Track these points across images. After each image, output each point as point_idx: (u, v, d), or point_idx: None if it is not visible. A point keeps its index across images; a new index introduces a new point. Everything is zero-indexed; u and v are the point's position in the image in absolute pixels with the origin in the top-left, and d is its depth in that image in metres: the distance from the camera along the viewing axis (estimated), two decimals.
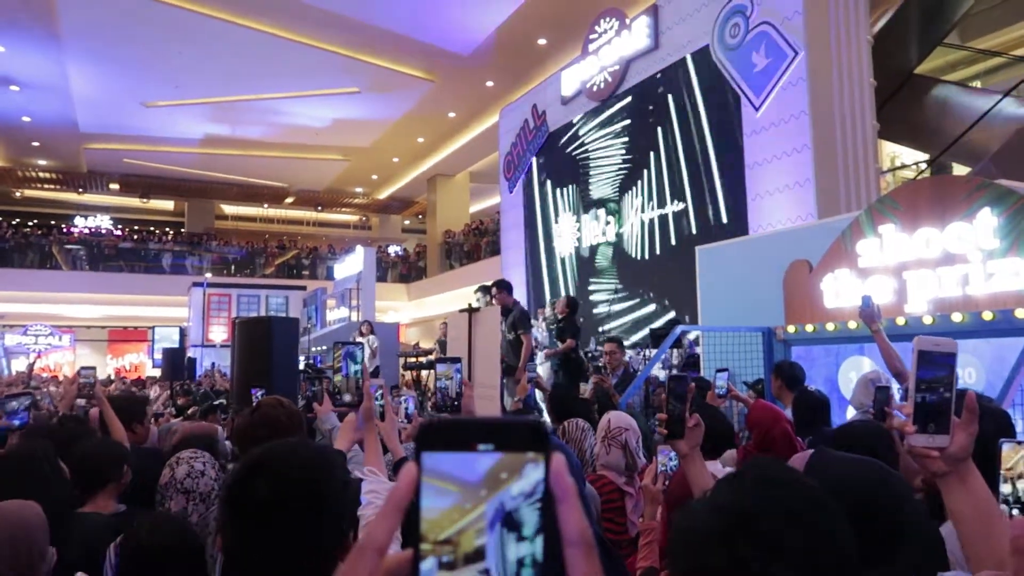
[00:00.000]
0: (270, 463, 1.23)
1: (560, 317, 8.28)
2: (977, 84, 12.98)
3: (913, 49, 10.64)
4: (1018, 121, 9.25)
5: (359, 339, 11.17)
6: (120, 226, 26.27)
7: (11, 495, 2.14)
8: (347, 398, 2.02)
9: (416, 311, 24.33)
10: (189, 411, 6.41)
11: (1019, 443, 1.26)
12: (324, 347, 15.28)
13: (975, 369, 4.59)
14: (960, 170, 10.31)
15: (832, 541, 0.81)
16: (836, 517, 0.83)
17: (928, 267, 4.81)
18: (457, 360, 2.15)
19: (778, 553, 0.77)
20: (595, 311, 11.84)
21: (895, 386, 3.80)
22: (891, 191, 5.86)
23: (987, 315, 4.38)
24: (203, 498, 2.21)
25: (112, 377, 15.52)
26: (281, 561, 1.17)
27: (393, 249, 26.73)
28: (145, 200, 27.80)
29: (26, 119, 19.33)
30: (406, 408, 4.03)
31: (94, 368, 4.04)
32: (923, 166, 11.15)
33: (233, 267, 24.07)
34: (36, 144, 21.59)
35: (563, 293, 11.96)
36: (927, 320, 4.68)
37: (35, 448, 2.84)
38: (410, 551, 0.47)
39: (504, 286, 7.57)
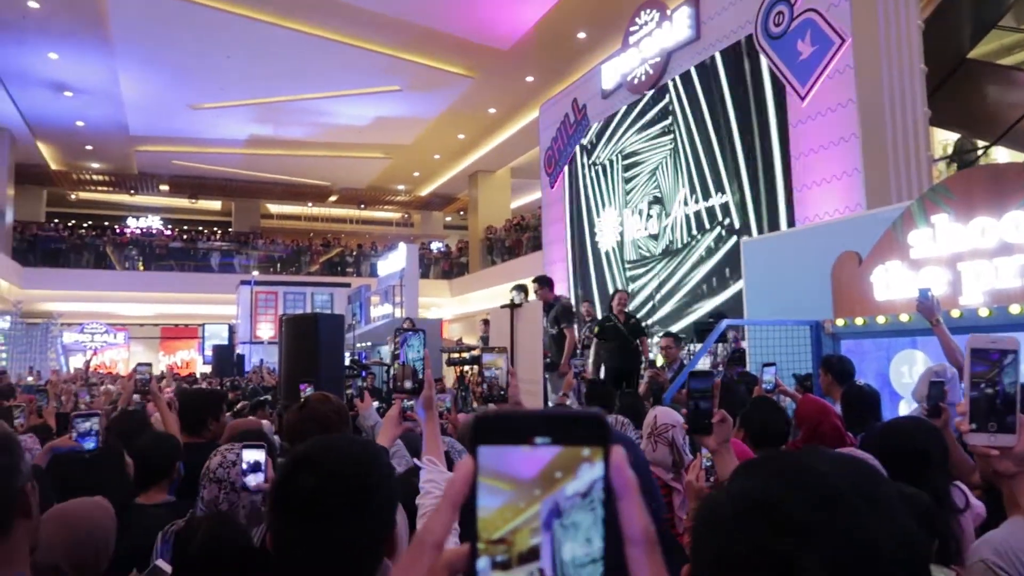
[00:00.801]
0: (315, 458, 1.24)
1: (623, 318, 8.13)
2: None
3: (966, 33, 10.32)
4: None
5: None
6: (170, 226, 26.93)
7: (86, 488, 2.22)
8: (407, 385, 2.03)
9: (459, 307, 24.45)
10: (238, 406, 6.54)
11: None
12: (369, 343, 15.46)
13: None
14: (1017, 156, 9.97)
15: (859, 525, 0.78)
16: (860, 504, 0.80)
17: (984, 257, 4.66)
18: (504, 349, 2.15)
19: (802, 538, 0.74)
20: (638, 305, 11.76)
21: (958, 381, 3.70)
22: (945, 179, 5.70)
23: None
24: (234, 487, 2.25)
25: (164, 373, 15.91)
26: (327, 554, 1.18)
27: (435, 245, 26.89)
28: (193, 200, 28.42)
29: (80, 123, 19.90)
30: (445, 407, 4.05)
31: (149, 365, 4.16)
32: (979, 153, 10.81)
33: (279, 265, 24.50)
34: (89, 148, 22.22)
35: (614, 288, 11.86)
36: (983, 312, 4.54)
37: (109, 444, 2.95)
38: (467, 546, 0.47)
39: (545, 282, 7.57)
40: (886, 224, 5.34)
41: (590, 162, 13.38)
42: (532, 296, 7.69)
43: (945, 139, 12.22)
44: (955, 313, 4.67)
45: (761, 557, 0.76)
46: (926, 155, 8.08)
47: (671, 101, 11.18)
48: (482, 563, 0.46)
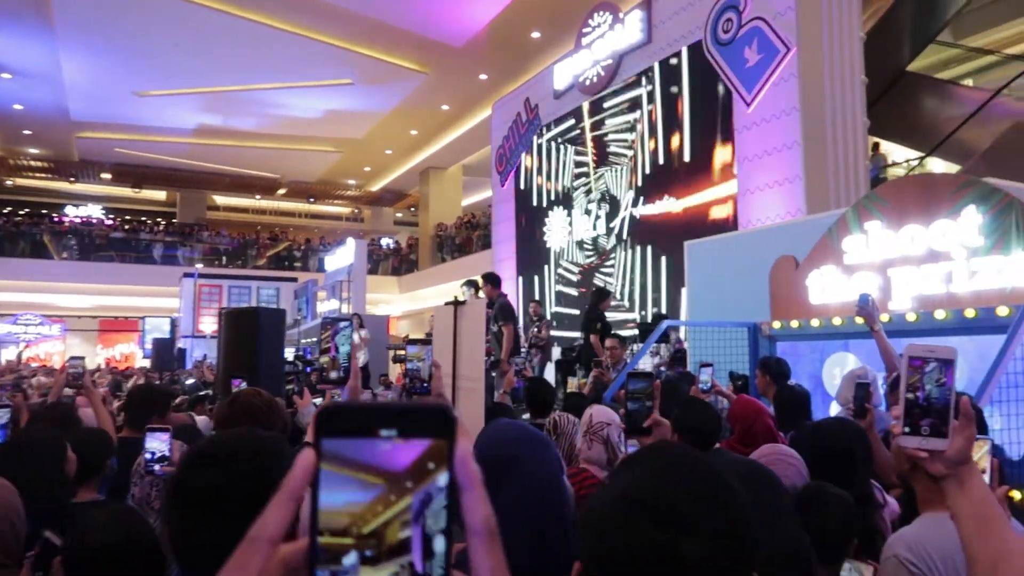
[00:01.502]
0: (215, 454, 1.21)
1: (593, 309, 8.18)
2: (969, 82, 13.01)
3: (905, 46, 10.66)
4: (1008, 119, 9.28)
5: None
6: (111, 216, 26.18)
7: (23, 479, 2.14)
8: (333, 375, 2.01)
9: (408, 304, 24.31)
10: (176, 401, 6.40)
11: (978, 439, 1.29)
12: (314, 339, 15.27)
13: (958, 367, 4.60)
14: (950, 168, 10.34)
15: (738, 517, 0.81)
16: (738, 493, 0.84)
17: (913, 264, 4.82)
18: (428, 342, 2.15)
19: (684, 531, 0.77)
20: (585, 304, 11.86)
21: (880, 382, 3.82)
22: (878, 188, 5.88)
23: (970, 313, 4.40)
24: (166, 481, 2.20)
25: (100, 367, 15.46)
26: (229, 551, 1.15)
27: (385, 242, 26.69)
28: (137, 190, 27.69)
29: (18, 107, 19.21)
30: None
31: (83, 358, 4.03)
32: (914, 163, 11.17)
33: (224, 258, 24.00)
34: (28, 132, 21.46)
35: (592, 287, 11.91)
36: (911, 317, 4.70)
37: (47, 436, 2.82)
38: (305, 541, 0.45)
39: (490, 279, 7.57)
40: (823, 230, 5.49)
41: (541, 161, 13.43)
42: (483, 293, 7.72)
43: (884, 149, 12.60)
44: (884, 317, 4.82)
45: (644, 549, 0.78)
46: (864, 164, 8.33)
47: (621, 104, 11.29)
48: (350, 558, 0.45)
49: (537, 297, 12.92)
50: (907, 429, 1.22)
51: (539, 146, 13.46)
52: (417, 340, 2.26)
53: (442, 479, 0.46)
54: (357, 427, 0.46)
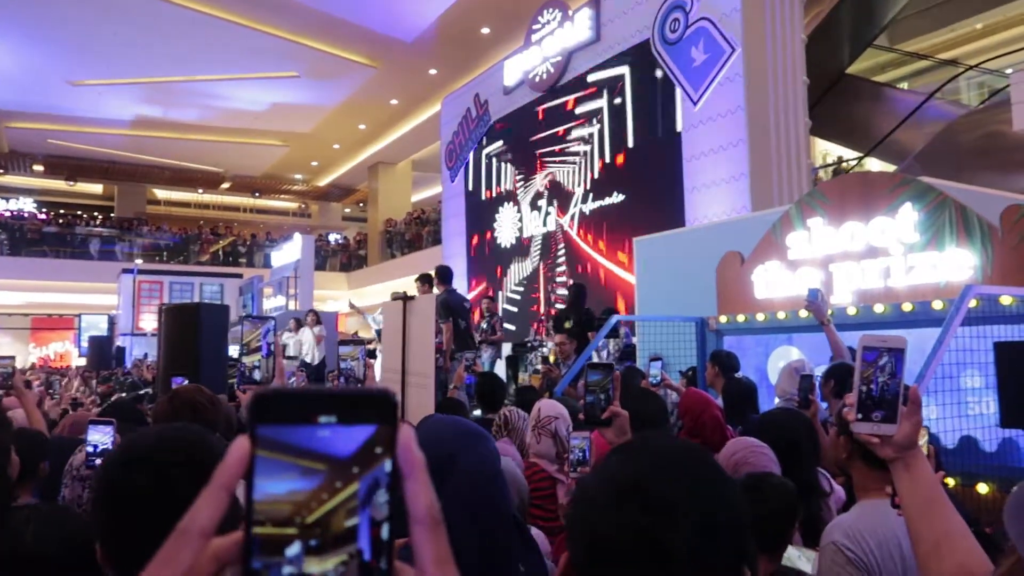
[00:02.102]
0: (145, 451, 1.15)
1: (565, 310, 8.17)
2: (904, 86, 13.46)
3: (845, 50, 10.96)
4: (941, 121, 9.62)
5: (290, 333, 11.01)
6: (44, 209, 25.20)
7: None
8: (256, 376, 1.95)
9: (356, 300, 23.99)
10: (112, 398, 6.20)
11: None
12: (269, 317, 14.96)
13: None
14: (888, 168, 10.67)
15: (726, 505, 0.82)
16: (728, 481, 0.86)
17: (853, 260, 4.95)
18: (361, 342, 2.12)
19: (670, 518, 0.78)
20: (536, 298, 11.89)
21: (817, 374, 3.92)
22: (820, 185, 6.02)
23: (907, 307, 4.53)
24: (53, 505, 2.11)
25: (29, 366, 14.87)
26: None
27: (333, 237, 26.33)
28: (71, 183, 26.72)
29: None
30: None
31: (13, 357, 3.87)
32: (853, 163, 11.51)
33: (166, 254, 23.36)
34: None
35: (487, 285, 11.90)
36: (851, 311, 4.82)
37: None
38: (238, 534, 0.43)
39: (438, 273, 7.55)
40: (767, 226, 5.60)
41: (490, 157, 13.41)
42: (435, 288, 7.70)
43: (825, 148, 12.95)
44: (808, 312, 4.94)
45: (630, 533, 0.79)
46: (807, 162, 8.54)
47: (570, 101, 11.35)
48: (294, 549, 0.42)
49: (490, 293, 12.91)
50: (859, 416, 1.26)
51: (489, 142, 13.43)
52: (349, 340, 2.23)
53: (388, 465, 0.44)
54: (294, 414, 0.43)
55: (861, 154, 11.10)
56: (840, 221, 5.03)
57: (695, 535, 0.77)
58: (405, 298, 4.39)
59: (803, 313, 4.04)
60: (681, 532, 0.77)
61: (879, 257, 4.79)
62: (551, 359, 8.20)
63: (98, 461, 2.16)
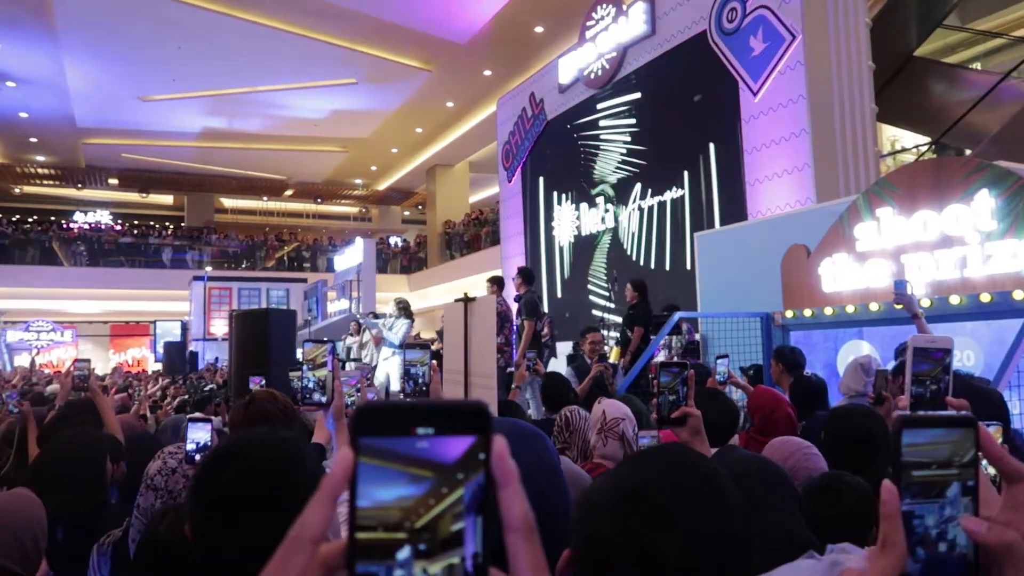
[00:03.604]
0: (237, 453, 1.21)
1: (631, 304, 8.17)
2: (977, 66, 12.91)
3: (912, 31, 10.57)
4: (1018, 102, 9.19)
5: (353, 337, 11.14)
6: (120, 221, 26.30)
7: (62, 482, 2.17)
8: (315, 397, 1.99)
9: (417, 302, 24.28)
10: (176, 402, 6.42)
11: (990, 425, 1.36)
12: (326, 339, 15.28)
13: (973, 351, 4.57)
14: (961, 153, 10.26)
15: (724, 522, 0.83)
16: (731, 499, 0.86)
17: (926, 250, 4.79)
18: (427, 346, 2.13)
19: (665, 528, 0.80)
20: (592, 299, 11.83)
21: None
22: (889, 174, 5.83)
23: (985, 297, 4.36)
24: (171, 495, 2.18)
25: (107, 372, 15.48)
26: (250, 553, 1.14)
27: (393, 240, 26.71)
28: (144, 195, 27.79)
29: (23, 115, 19.30)
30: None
31: (88, 360, 4.02)
32: (923, 149, 11.09)
33: (233, 261, 24.09)
34: (34, 140, 21.57)
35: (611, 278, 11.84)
36: (925, 303, 4.65)
37: (95, 439, 2.82)
38: (343, 541, 0.45)
39: (521, 273, 7.70)
40: (834, 218, 5.45)
41: (547, 156, 13.40)
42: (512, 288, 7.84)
43: (893, 135, 12.52)
44: (899, 305, 4.78)
45: (627, 540, 0.81)
46: (873, 150, 8.27)
47: (627, 96, 11.25)
48: (404, 553, 0.44)
49: (547, 292, 12.92)
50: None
51: (546, 141, 13.42)
52: (415, 344, 2.25)
53: (483, 475, 0.46)
54: (394, 426, 0.46)
55: (931, 139, 10.69)
56: (911, 210, 4.86)
57: (688, 548, 0.79)
58: (467, 300, 4.43)
59: (898, 306, 3.89)
60: (674, 544, 0.79)
61: (954, 247, 4.62)
62: (612, 358, 8.15)
63: (198, 457, 2.25)
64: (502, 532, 0.47)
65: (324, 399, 2.00)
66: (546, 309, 10.63)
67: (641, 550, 0.79)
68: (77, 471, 2.48)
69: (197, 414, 2.45)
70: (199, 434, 2.34)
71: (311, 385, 2.01)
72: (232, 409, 2.87)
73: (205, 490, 1.19)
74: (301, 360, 2.17)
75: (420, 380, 2.11)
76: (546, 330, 9.48)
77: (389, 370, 8.64)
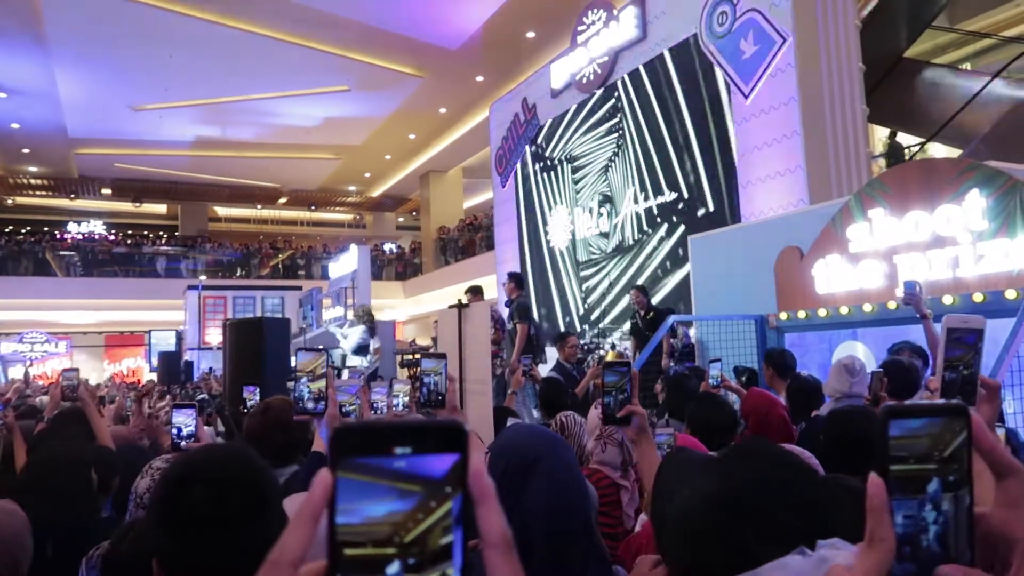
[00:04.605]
0: (201, 470, 1.18)
1: (640, 311, 8.12)
2: (967, 66, 12.98)
3: (902, 33, 10.62)
4: (1008, 102, 9.24)
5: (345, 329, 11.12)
6: (113, 231, 26.22)
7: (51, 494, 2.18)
8: (310, 405, 1.99)
9: (412, 308, 24.31)
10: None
11: (997, 428, 1.32)
12: (321, 347, 15.24)
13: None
14: (952, 152, 10.31)
15: (813, 518, 0.81)
16: (815, 487, 0.85)
17: (918, 250, 4.80)
18: (443, 356, 2.13)
19: (763, 527, 0.78)
20: (588, 304, 11.84)
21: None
22: (880, 175, 5.85)
23: (977, 297, 4.37)
24: None
25: (102, 382, 15.41)
26: (223, 569, 1.12)
27: (388, 247, 26.69)
28: (137, 204, 27.73)
29: (15, 126, 19.26)
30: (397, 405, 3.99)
31: (77, 370, 3.99)
32: (915, 149, 11.14)
33: (228, 269, 24.04)
34: (26, 151, 21.52)
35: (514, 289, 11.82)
36: (905, 307, 4.66)
37: (81, 450, 2.79)
38: (323, 563, 0.45)
39: (513, 277, 7.70)
40: (826, 219, 5.47)
41: (540, 161, 13.42)
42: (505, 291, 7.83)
43: (884, 136, 12.57)
44: (891, 305, 4.80)
45: (742, 558, 0.78)
46: (865, 151, 8.30)
47: (620, 100, 11.27)
48: (394, 568, 0.45)
49: (540, 296, 12.92)
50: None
51: (539, 145, 13.45)
52: (432, 354, 2.24)
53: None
54: (372, 445, 0.46)
55: (922, 140, 10.74)
56: (903, 211, 4.88)
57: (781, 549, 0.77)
58: (460, 306, 4.42)
59: (896, 305, 3.89)
60: (781, 546, 0.77)
61: (946, 247, 4.64)
62: (609, 358, 8.15)
63: (183, 444, 2.24)
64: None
65: (320, 408, 2.00)
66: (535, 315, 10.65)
67: (737, 550, 0.77)
68: (63, 483, 2.47)
69: (180, 402, 2.47)
70: (183, 419, 2.35)
71: (306, 395, 2.01)
72: (248, 416, 2.86)
73: (173, 513, 1.16)
74: (298, 370, 2.16)
75: (434, 389, 2.10)
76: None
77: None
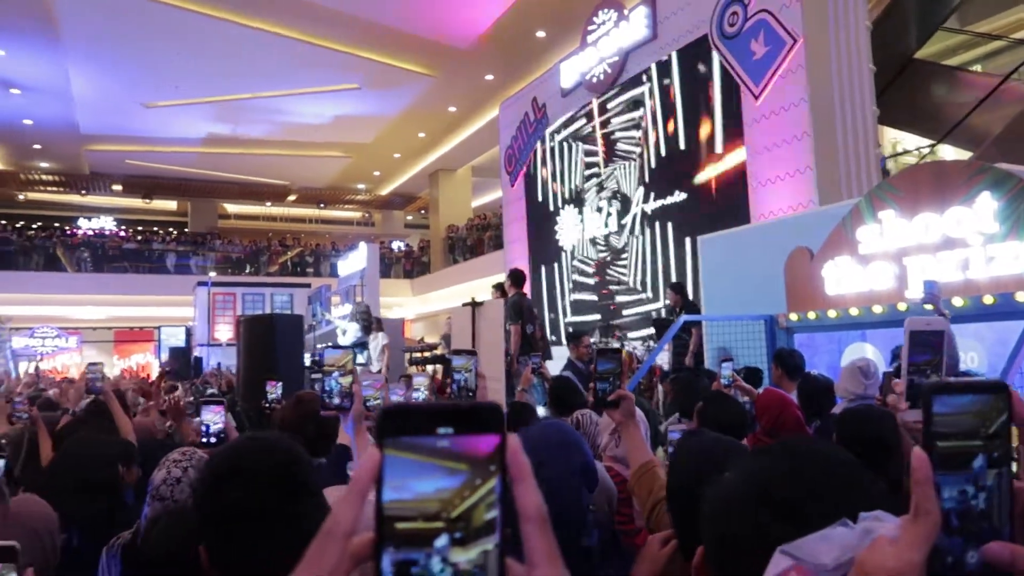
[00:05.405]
0: (240, 465, 1.20)
1: (677, 309, 8.15)
2: (978, 68, 12.94)
3: (912, 34, 10.60)
4: (1019, 104, 9.22)
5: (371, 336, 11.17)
6: (124, 227, 26.35)
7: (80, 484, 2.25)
8: (336, 401, 2.04)
9: (420, 306, 24.36)
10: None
11: None
12: (329, 344, 15.31)
13: (977, 353, 4.61)
14: (962, 155, 10.29)
15: (850, 509, 0.81)
16: (868, 490, 0.86)
17: (928, 252, 4.82)
18: (473, 353, 2.18)
19: (800, 523, 0.78)
20: (599, 303, 11.87)
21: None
22: (890, 177, 5.87)
23: (988, 299, 4.39)
24: (177, 506, 2.19)
25: (115, 377, 15.49)
26: (268, 560, 1.13)
27: (396, 245, 26.75)
28: (148, 200, 27.86)
29: (27, 122, 19.37)
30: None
31: (101, 364, 4.04)
32: (925, 151, 11.12)
33: (237, 266, 24.14)
34: (38, 147, 21.64)
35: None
36: (928, 306, 4.69)
37: (108, 443, 2.85)
38: (371, 535, 0.49)
39: (511, 276, 7.68)
40: (836, 220, 5.49)
41: (550, 160, 13.45)
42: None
43: (894, 137, 12.55)
44: (901, 306, 4.82)
45: (761, 539, 0.79)
46: (875, 153, 8.30)
47: (629, 100, 11.30)
48: (441, 540, 0.48)
49: (548, 294, 12.96)
50: (909, 404, 1.22)
51: (549, 147, 13.48)
52: (462, 351, 2.30)
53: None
54: (417, 425, 0.49)
55: (933, 142, 10.72)
56: (913, 213, 4.90)
57: None
58: (474, 304, 4.47)
59: (928, 306, 3.87)
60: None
61: (956, 249, 4.66)
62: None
63: (212, 440, 2.29)
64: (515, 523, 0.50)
65: (348, 404, 2.05)
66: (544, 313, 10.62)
67: (773, 545, 0.77)
68: (91, 476, 2.52)
69: (208, 397, 2.52)
70: (211, 416, 2.40)
71: (336, 390, 2.05)
72: (282, 407, 2.91)
73: (216, 510, 1.19)
74: (321, 365, 2.22)
75: (464, 385, 2.16)
76: (537, 333, 9.51)
77: None
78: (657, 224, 10.65)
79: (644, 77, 10.91)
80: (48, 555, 2.01)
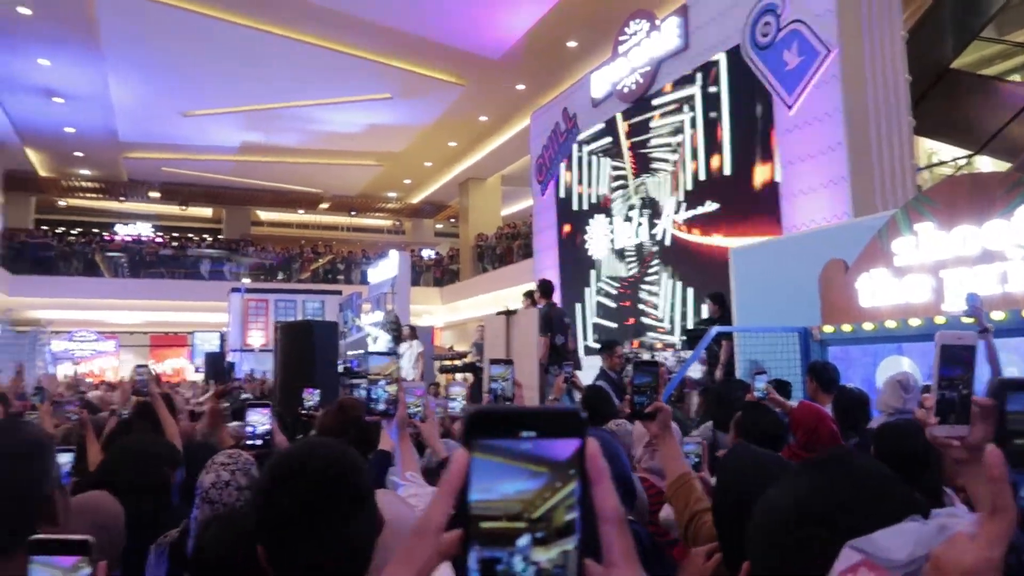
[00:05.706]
0: (296, 471, 1.22)
1: (715, 319, 8.14)
2: (1016, 78, 12.73)
3: (949, 44, 10.48)
4: None
5: (404, 344, 11.27)
6: (160, 233, 26.85)
7: (131, 485, 2.32)
8: (381, 407, 2.09)
9: (449, 315, 24.47)
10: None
11: None
12: (360, 351, 15.46)
13: (1017, 367, 4.54)
14: (1000, 166, 10.13)
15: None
16: (913, 507, 0.86)
17: (966, 265, 4.77)
18: (510, 362, 2.22)
19: (846, 537, 0.78)
20: (630, 313, 11.84)
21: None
22: (928, 188, 5.82)
23: None
24: (226, 508, 2.24)
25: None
26: (325, 565, 1.17)
27: (426, 253, 26.91)
28: (184, 207, 28.37)
29: (69, 130, 19.85)
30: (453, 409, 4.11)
31: (147, 366, 4.14)
32: (962, 162, 10.97)
33: (270, 273, 24.47)
34: (79, 154, 22.15)
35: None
36: (966, 320, 4.64)
37: (157, 445, 2.95)
38: (458, 532, 0.52)
39: (540, 286, 7.70)
40: (872, 232, 5.45)
41: (580, 170, 13.48)
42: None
43: (930, 148, 12.38)
44: (939, 320, 4.78)
45: (811, 555, 0.81)
46: (911, 164, 8.21)
47: (660, 110, 11.29)
48: (523, 540, 0.51)
49: (579, 305, 12.96)
50: (939, 419, 1.22)
51: (579, 157, 13.51)
52: (501, 360, 2.35)
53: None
54: (502, 429, 0.52)
55: (970, 152, 10.57)
56: (951, 225, 4.86)
57: None
58: (508, 313, 4.52)
59: (968, 319, 3.84)
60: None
61: (995, 262, 4.61)
62: None
63: (259, 442, 2.34)
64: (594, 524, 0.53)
65: (392, 410, 2.10)
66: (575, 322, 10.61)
67: (812, 557, 0.79)
68: (141, 477, 2.60)
69: (254, 400, 2.59)
70: (258, 418, 2.47)
71: (384, 397, 2.11)
72: (323, 414, 2.97)
73: (272, 515, 1.20)
74: (352, 372, 2.28)
75: (501, 394, 2.21)
76: (569, 344, 9.53)
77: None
78: (688, 234, 10.60)
79: (676, 86, 10.90)
80: (116, 547, 2.08)
